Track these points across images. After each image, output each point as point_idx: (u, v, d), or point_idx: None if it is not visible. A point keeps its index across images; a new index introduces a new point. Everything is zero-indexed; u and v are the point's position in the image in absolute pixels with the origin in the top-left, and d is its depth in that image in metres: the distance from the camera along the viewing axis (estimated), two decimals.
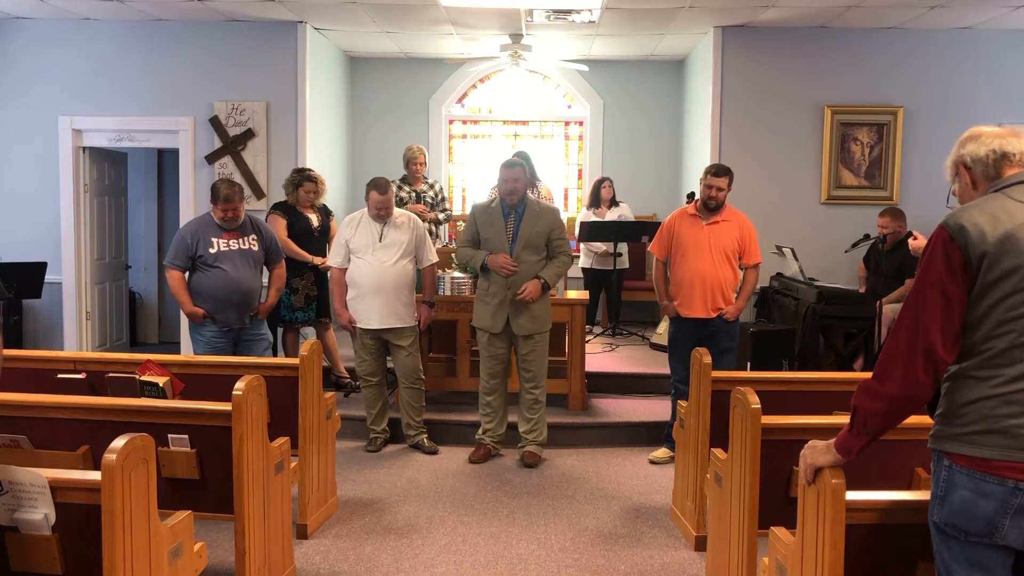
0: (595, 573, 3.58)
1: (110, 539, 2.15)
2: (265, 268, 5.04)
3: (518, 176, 4.79)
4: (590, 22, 6.79)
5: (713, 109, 7.00)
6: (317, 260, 5.70)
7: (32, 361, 3.94)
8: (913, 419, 2.00)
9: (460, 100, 8.82)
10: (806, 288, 5.96)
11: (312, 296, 5.75)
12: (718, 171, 4.74)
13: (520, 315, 4.79)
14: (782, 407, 3.36)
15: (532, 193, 6.82)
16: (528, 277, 4.78)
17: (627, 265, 7.64)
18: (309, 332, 6.14)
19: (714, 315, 4.73)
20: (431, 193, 6.56)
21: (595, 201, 7.49)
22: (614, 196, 7.47)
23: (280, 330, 5.87)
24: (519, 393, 4.99)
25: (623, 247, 7.50)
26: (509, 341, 4.90)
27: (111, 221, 7.55)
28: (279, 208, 5.76)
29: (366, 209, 5.03)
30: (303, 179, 5.75)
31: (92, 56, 6.95)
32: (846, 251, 6.36)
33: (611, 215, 7.40)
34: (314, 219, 5.78)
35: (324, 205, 5.98)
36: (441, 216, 6.57)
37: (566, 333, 5.76)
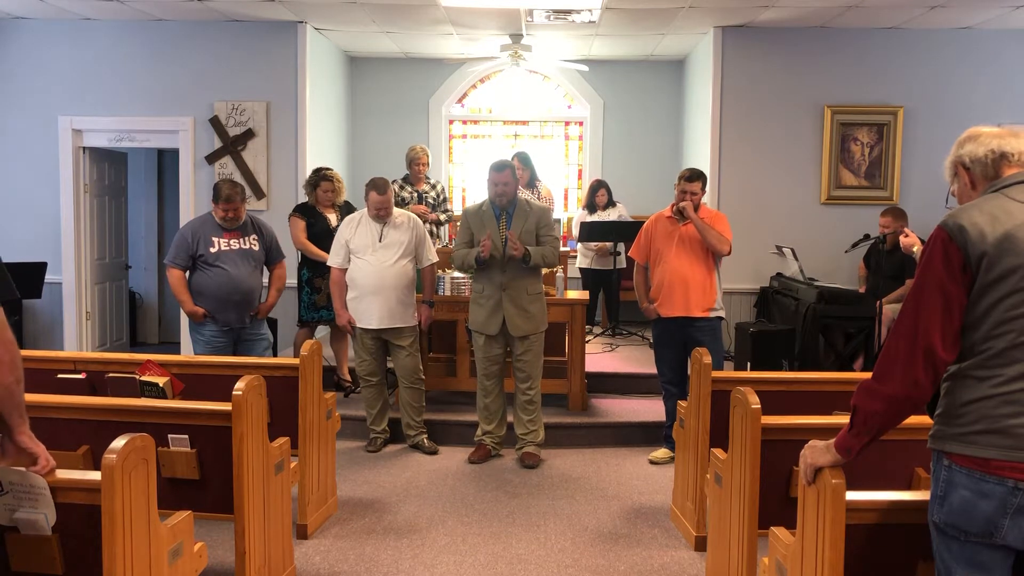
0: (595, 573, 3.58)
1: (110, 539, 2.15)
2: (266, 268, 5.04)
3: (507, 179, 4.81)
4: (590, 22, 6.79)
5: (713, 109, 7.01)
6: None
7: (32, 361, 3.94)
8: (913, 419, 2.00)
9: (460, 100, 8.82)
10: (806, 288, 5.96)
11: None
12: (692, 176, 4.78)
13: (516, 316, 4.80)
14: (782, 407, 3.36)
15: (532, 193, 6.85)
16: (519, 279, 4.79)
17: (624, 264, 7.65)
18: (317, 332, 6.12)
19: (696, 314, 4.73)
20: (433, 194, 6.56)
21: (591, 205, 7.50)
22: (609, 200, 7.49)
23: (298, 328, 5.86)
24: (515, 394, 4.99)
25: (621, 246, 7.50)
26: (505, 342, 4.91)
27: (111, 221, 7.55)
28: (299, 210, 5.79)
29: (366, 209, 5.04)
30: (319, 179, 5.77)
31: (92, 56, 6.96)
32: (846, 251, 6.36)
33: (611, 215, 7.41)
34: (333, 219, 5.77)
35: (347, 203, 5.98)
36: (443, 217, 6.57)
37: (566, 333, 5.76)
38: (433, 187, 6.60)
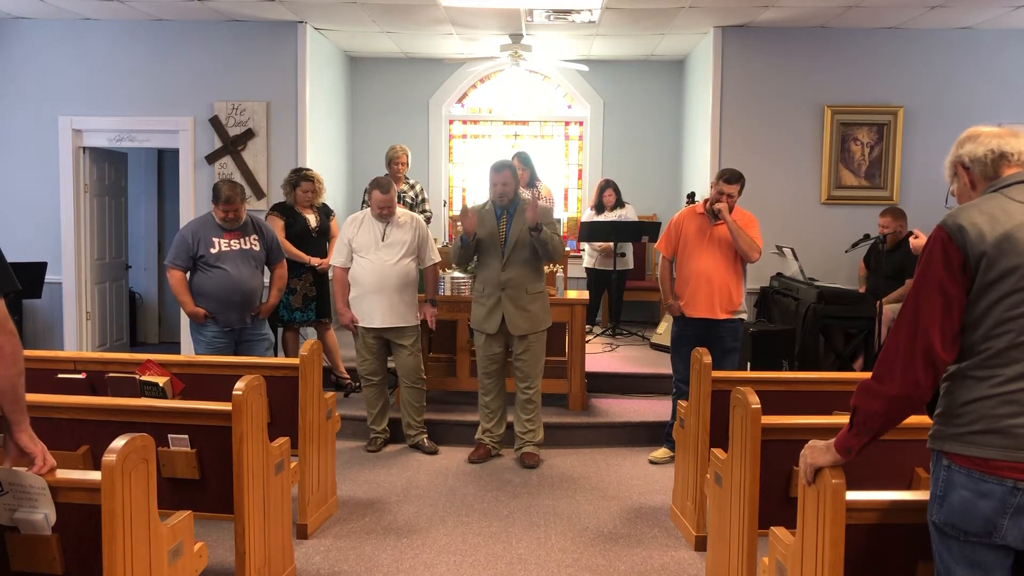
0: (595, 573, 3.58)
1: (110, 539, 2.15)
2: (267, 268, 5.04)
3: (507, 179, 4.81)
4: (590, 22, 6.79)
5: (713, 109, 7.00)
6: (314, 261, 5.71)
7: (32, 361, 3.94)
8: (913, 419, 2.00)
9: (460, 100, 8.82)
10: (806, 288, 5.96)
11: (311, 296, 5.75)
12: (730, 178, 4.72)
13: (516, 316, 4.80)
14: (782, 407, 3.36)
15: (533, 193, 6.84)
16: (519, 278, 4.78)
17: (631, 265, 7.65)
18: (309, 332, 6.14)
19: (720, 316, 4.71)
20: (411, 193, 6.57)
21: (598, 205, 7.49)
22: (618, 200, 7.46)
23: (280, 330, 5.87)
24: (515, 393, 4.99)
25: (627, 247, 7.50)
26: (506, 341, 4.91)
27: (111, 221, 7.55)
28: (277, 209, 5.78)
29: (369, 208, 5.05)
30: (300, 179, 5.76)
31: (92, 56, 6.96)
32: (846, 251, 6.36)
33: (612, 216, 7.41)
34: (312, 219, 5.78)
35: (324, 205, 5.99)
36: (421, 217, 6.57)
37: (566, 333, 5.76)
38: (412, 187, 6.61)
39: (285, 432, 3.62)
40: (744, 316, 4.85)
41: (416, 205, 6.57)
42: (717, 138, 7.02)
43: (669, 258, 4.95)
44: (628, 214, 7.44)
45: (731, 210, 4.72)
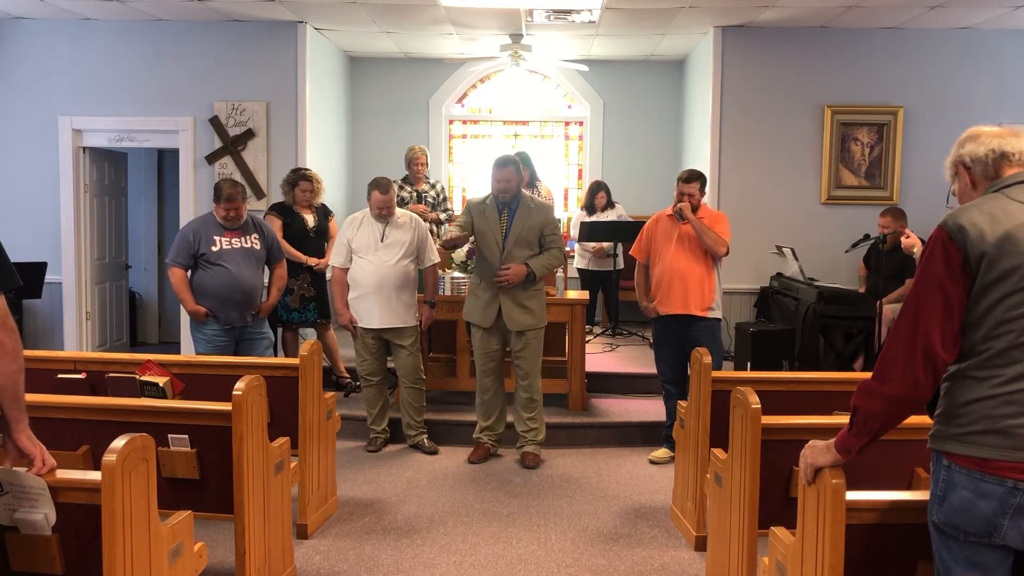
0: (595, 573, 3.58)
1: (110, 539, 2.15)
2: (267, 267, 5.04)
3: (510, 176, 4.80)
4: (590, 22, 6.79)
5: (713, 109, 7.00)
6: (311, 261, 5.70)
7: (32, 361, 3.94)
8: (913, 419, 2.00)
9: (460, 100, 8.82)
10: (806, 288, 5.96)
11: (309, 297, 5.74)
12: (689, 177, 4.81)
13: (513, 310, 4.79)
14: (782, 407, 3.36)
15: (533, 193, 6.84)
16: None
17: (622, 265, 7.65)
18: (309, 332, 6.14)
19: (695, 312, 4.72)
20: (432, 193, 6.57)
21: (590, 206, 7.52)
22: (608, 202, 7.50)
23: (280, 330, 5.87)
24: (515, 392, 4.99)
25: (620, 247, 7.51)
26: (503, 337, 4.90)
27: (111, 221, 7.55)
28: (275, 209, 5.78)
29: (368, 209, 5.05)
30: (298, 178, 5.77)
31: (92, 56, 6.96)
32: (846, 251, 6.36)
33: (609, 216, 7.43)
34: (310, 219, 5.78)
35: (323, 205, 5.99)
36: (443, 216, 6.58)
37: (566, 333, 5.77)
38: (432, 187, 6.61)
39: (285, 432, 3.62)
40: (719, 316, 4.86)
41: (438, 204, 6.58)
42: (717, 138, 7.02)
43: (643, 262, 4.99)
44: (622, 214, 7.48)
45: (696, 208, 4.77)
